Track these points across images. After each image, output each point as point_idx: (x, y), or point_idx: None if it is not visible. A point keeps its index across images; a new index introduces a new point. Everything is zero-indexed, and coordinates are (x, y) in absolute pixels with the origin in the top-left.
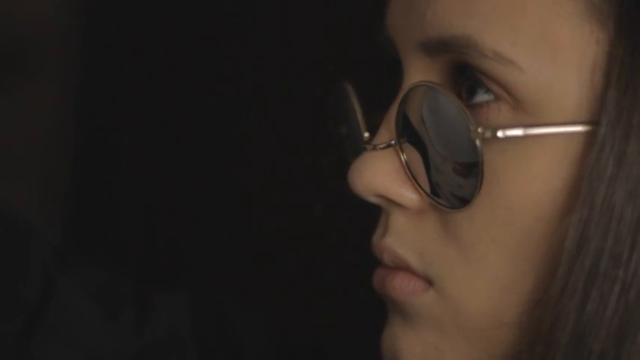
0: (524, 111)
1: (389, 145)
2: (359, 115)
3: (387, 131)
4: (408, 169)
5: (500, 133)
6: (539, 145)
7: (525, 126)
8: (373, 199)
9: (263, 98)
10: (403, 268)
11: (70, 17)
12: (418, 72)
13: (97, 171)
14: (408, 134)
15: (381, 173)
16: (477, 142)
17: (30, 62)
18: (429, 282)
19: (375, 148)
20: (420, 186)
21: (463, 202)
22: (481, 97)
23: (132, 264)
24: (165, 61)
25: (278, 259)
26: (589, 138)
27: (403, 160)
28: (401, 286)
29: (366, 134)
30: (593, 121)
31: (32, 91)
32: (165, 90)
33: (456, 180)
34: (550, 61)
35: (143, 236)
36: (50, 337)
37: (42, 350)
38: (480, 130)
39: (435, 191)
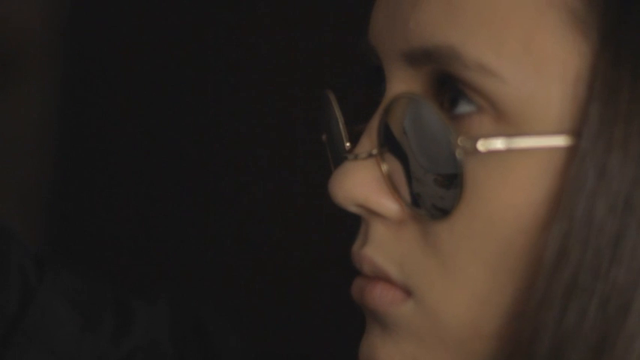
0: (506, 122)
1: (370, 155)
2: (340, 124)
3: (368, 141)
4: (389, 180)
5: (480, 145)
6: (521, 157)
7: (507, 137)
8: (353, 209)
9: (255, 100)
10: (382, 278)
11: (55, 19)
12: (401, 82)
13: (81, 174)
14: (390, 144)
15: (362, 183)
16: (458, 154)
17: (13, 65)
18: (409, 292)
19: (356, 157)
20: (400, 196)
21: (443, 213)
22: (463, 108)
23: (116, 269)
24: (153, 63)
25: (263, 266)
26: (571, 150)
27: (384, 170)
28: (380, 296)
29: (348, 144)
30: (576, 134)
31: (16, 93)
32: (152, 91)
33: (437, 191)
34: (533, 72)
35: (129, 240)
36: (28, 344)
37: (19, 358)
38: (460, 141)
39: (415, 202)
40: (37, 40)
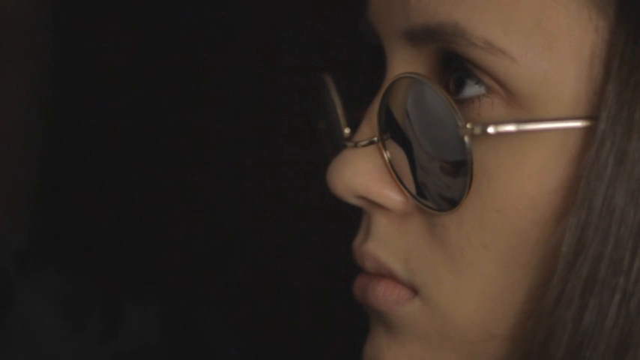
0: (517, 105)
1: (371, 142)
2: (339, 110)
3: (368, 127)
4: (392, 169)
5: (491, 129)
6: (534, 142)
7: (519, 121)
8: (354, 201)
9: (248, 100)
10: (386, 275)
11: (40, 11)
12: (403, 63)
13: (70, 170)
14: (392, 130)
15: (362, 172)
16: (466, 139)
17: None
18: (414, 290)
19: (356, 145)
20: (404, 186)
21: (451, 203)
22: (471, 89)
23: (103, 270)
24: (141, 57)
25: (257, 267)
26: (588, 134)
27: (386, 158)
28: (384, 295)
29: (347, 130)
30: (592, 116)
31: (1, 81)
32: (140, 87)
33: (444, 180)
34: (545, 50)
35: (116, 239)
36: (9, 343)
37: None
38: (469, 125)
39: (420, 192)
40: (21, 28)
